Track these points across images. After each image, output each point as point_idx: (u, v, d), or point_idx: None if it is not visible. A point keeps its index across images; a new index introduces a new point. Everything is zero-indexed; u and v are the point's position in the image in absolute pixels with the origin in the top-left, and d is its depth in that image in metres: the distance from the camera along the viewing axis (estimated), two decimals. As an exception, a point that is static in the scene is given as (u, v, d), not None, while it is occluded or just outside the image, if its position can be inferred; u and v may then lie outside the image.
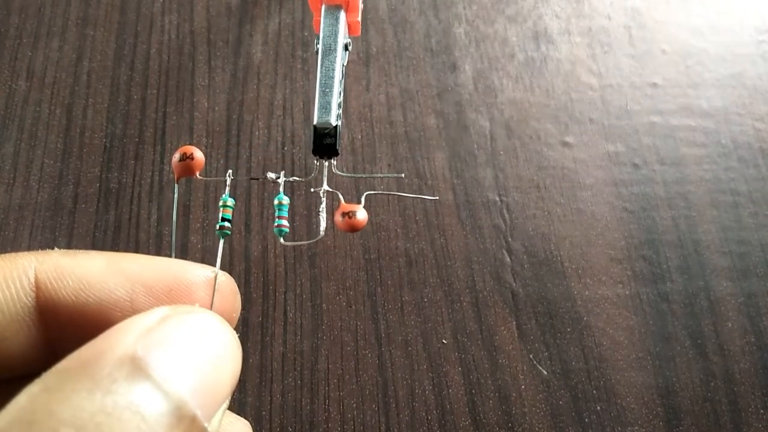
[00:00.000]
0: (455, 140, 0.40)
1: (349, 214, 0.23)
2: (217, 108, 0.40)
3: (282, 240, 0.24)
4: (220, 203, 0.24)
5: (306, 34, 0.43)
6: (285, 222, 0.24)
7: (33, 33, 0.43)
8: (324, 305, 0.35)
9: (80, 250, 0.18)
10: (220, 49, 0.42)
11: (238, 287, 0.35)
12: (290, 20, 0.43)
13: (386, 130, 0.40)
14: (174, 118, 0.40)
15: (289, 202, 0.24)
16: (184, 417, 0.13)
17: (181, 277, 0.18)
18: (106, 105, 0.40)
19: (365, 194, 0.26)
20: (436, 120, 0.40)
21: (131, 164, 0.38)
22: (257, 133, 0.39)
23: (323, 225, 0.24)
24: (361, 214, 0.23)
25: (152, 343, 0.14)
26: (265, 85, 0.41)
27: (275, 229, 0.24)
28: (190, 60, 0.42)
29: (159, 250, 0.36)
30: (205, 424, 0.14)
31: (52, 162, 0.38)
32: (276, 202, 0.24)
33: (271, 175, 0.25)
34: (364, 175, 0.38)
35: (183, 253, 0.36)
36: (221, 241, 0.24)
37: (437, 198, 0.38)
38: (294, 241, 0.36)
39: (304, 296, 0.35)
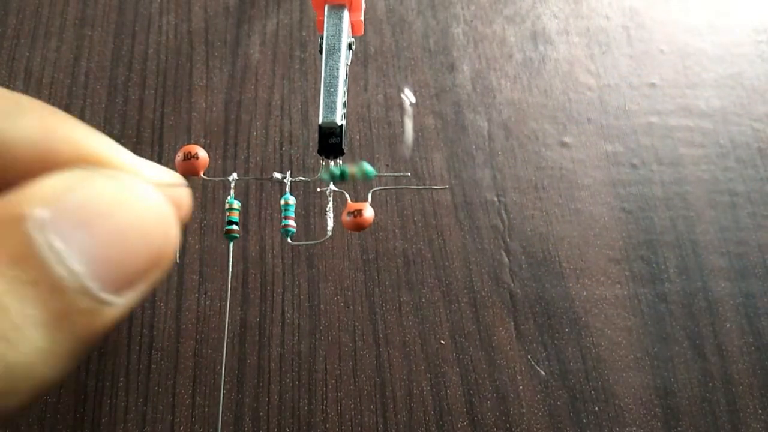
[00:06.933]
0: (453, 140, 0.40)
1: (355, 213, 0.23)
2: (214, 108, 0.40)
3: (289, 240, 0.24)
4: (226, 206, 0.24)
5: (304, 34, 0.43)
6: (292, 222, 0.24)
7: (30, 33, 0.42)
8: (322, 306, 0.35)
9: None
10: (217, 49, 0.42)
11: (237, 288, 0.35)
12: (288, 21, 0.43)
13: (384, 131, 0.40)
14: (172, 118, 0.40)
15: (295, 202, 0.24)
16: (67, 288, 0.12)
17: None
18: (103, 105, 0.40)
19: (371, 191, 0.26)
20: (434, 120, 0.40)
21: (129, 165, 0.38)
22: (255, 133, 0.39)
23: (331, 224, 0.24)
24: (368, 212, 0.23)
25: (54, 203, 0.12)
26: (262, 85, 0.41)
27: (282, 230, 0.24)
28: (187, 60, 0.42)
29: (157, 250, 0.36)
30: (103, 295, 0.12)
31: (49, 162, 0.38)
32: (282, 202, 0.24)
33: (277, 175, 0.25)
34: None
35: (181, 253, 0.35)
36: (230, 245, 0.24)
37: (447, 187, 0.38)
38: (298, 241, 0.36)
39: (302, 297, 0.35)
